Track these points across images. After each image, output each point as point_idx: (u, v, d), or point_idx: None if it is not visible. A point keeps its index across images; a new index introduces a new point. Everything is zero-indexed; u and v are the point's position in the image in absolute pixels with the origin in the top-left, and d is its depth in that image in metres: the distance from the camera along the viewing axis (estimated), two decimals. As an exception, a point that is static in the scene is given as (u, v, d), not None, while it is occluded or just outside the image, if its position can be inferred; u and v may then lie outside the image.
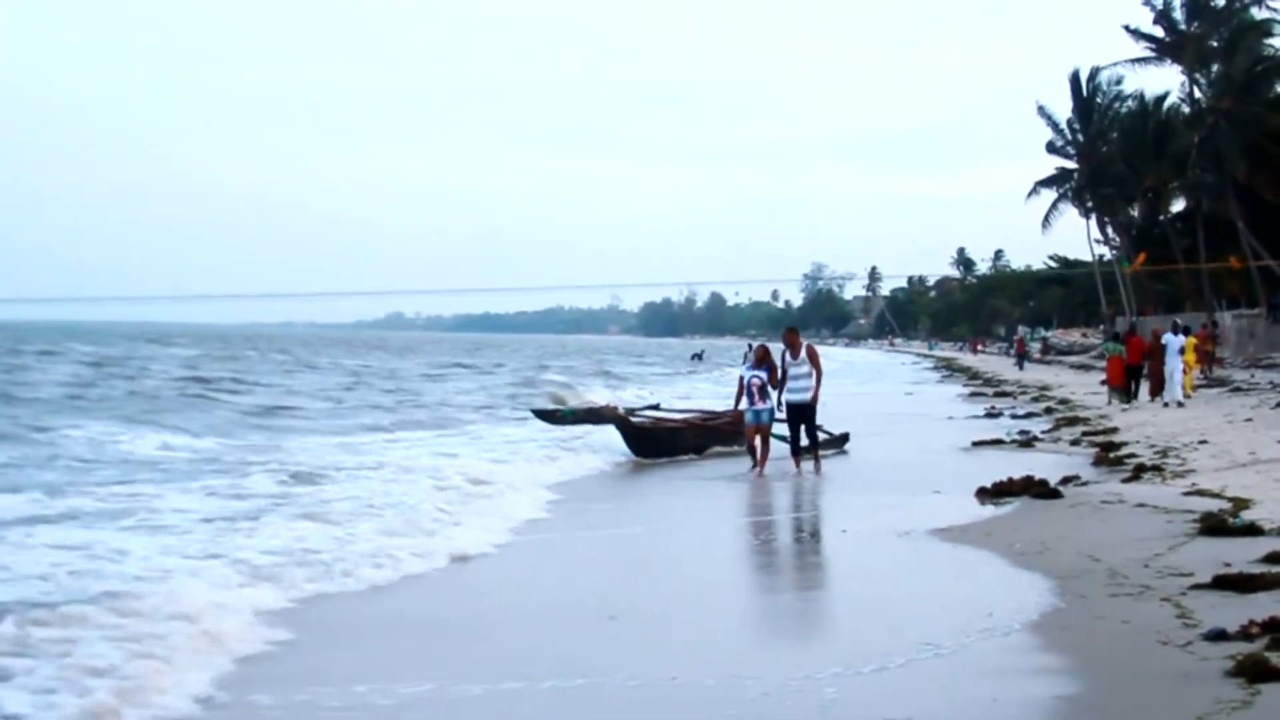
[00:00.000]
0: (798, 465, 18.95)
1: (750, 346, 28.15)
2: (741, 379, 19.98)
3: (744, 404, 19.64)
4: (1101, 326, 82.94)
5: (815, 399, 19.15)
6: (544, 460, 20.55)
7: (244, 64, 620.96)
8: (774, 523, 15.19)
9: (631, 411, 23.99)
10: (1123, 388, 31.66)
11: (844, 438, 22.73)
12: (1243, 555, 9.92)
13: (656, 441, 22.12)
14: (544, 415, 25.07)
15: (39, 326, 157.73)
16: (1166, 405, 27.81)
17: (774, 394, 19.27)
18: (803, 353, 19.16)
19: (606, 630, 8.83)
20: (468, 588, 10.59)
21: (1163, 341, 30.06)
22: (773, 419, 19.42)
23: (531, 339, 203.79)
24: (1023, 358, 67.16)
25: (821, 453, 21.58)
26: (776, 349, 19.94)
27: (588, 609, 9.46)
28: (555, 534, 13.61)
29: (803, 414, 19.11)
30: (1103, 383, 37.79)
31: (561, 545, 13.00)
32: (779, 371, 19.27)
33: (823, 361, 19.65)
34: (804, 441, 19.09)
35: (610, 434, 22.46)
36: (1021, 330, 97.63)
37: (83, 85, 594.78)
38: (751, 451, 19.21)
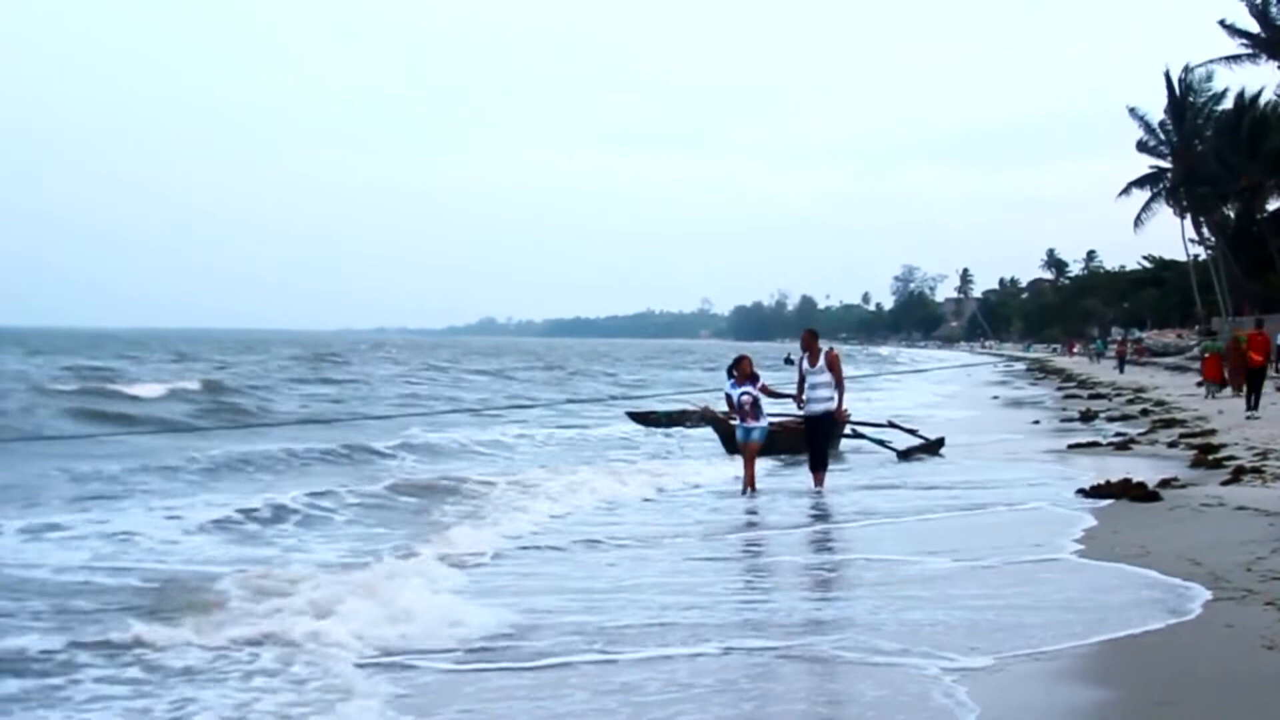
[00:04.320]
0: (817, 482, 17.47)
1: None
2: (729, 397, 18.22)
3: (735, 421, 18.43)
4: (1197, 327, 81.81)
5: (837, 412, 18.00)
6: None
7: (316, 67, 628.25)
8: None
9: (725, 413, 24.09)
10: (1218, 381, 31.15)
11: (939, 442, 22.70)
12: (1348, 559, 9.77)
13: None
14: (638, 417, 25.29)
15: (148, 334, 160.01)
16: None
17: (778, 404, 18.56)
18: (821, 360, 17.68)
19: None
20: None
21: (1278, 342, 29.27)
22: (764, 438, 18.03)
23: (631, 344, 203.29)
24: (1123, 360, 67.21)
25: (918, 456, 21.63)
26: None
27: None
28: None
29: (821, 426, 17.80)
30: (1199, 383, 37.39)
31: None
32: (797, 384, 17.89)
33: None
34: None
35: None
36: (1118, 332, 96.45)
37: (192, 91, 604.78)
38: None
